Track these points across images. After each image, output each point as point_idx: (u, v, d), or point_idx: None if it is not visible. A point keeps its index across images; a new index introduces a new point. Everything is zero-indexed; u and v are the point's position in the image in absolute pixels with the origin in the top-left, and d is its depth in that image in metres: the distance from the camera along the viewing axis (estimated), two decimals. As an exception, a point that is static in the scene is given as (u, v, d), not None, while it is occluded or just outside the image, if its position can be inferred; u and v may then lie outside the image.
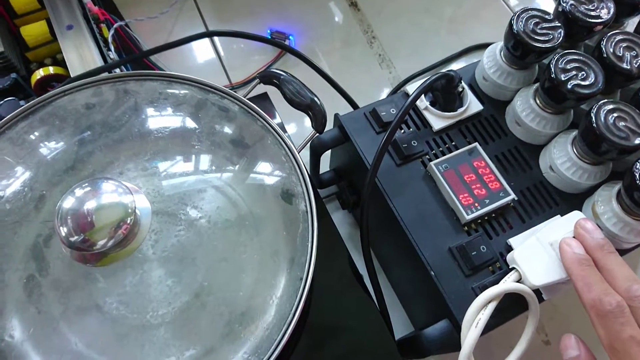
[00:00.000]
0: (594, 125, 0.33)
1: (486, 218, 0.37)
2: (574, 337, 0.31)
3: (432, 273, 0.34)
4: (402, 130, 0.40)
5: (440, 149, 0.39)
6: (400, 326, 0.45)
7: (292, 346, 0.38)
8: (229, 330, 0.34)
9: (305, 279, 0.31)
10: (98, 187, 0.29)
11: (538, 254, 0.32)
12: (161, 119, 0.36)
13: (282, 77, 0.37)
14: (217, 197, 0.37)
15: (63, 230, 0.28)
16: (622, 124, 0.33)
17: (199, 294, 0.34)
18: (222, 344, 0.34)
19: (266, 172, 0.35)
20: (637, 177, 0.31)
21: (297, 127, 0.55)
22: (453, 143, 0.40)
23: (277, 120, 0.46)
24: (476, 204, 0.36)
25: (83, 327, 0.33)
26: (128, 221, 0.29)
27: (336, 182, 0.48)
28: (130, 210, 0.29)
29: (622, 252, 0.36)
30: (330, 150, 0.49)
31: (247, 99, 0.37)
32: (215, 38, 0.59)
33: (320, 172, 0.48)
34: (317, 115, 0.36)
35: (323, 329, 0.38)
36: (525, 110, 0.38)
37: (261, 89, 0.48)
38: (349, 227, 0.50)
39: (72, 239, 0.28)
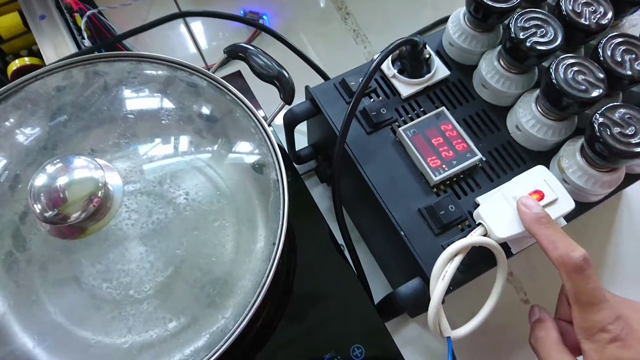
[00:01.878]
0: (554, 80, 0.33)
1: (455, 179, 0.37)
2: (535, 306, 0.34)
3: (402, 233, 0.35)
4: (372, 99, 0.41)
5: (409, 115, 0.40)
6: (381, 291, 0.46)
7: (279, 313, 0.39)
8: (209, 299, 0.35)
9: (278, 243, 0.32)
10: (69, 163, 0.30)
11: (503, 208, 0.33)
12: (130, 97, 0.37)
13: (248, 50, 0.37)
14: (189, 171, 0.37)
15: (37, 207, 0.29)
16: (581, 77, 0.34)
17: (178, 267, 0.35)
18: (203, 312, 0.35)
19: (236, 144, 0.36)
20: (597, 128, 0.32)
21: (273, 105, 0.55)
22: (422, 109, 0.40)
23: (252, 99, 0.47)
24: (444, 166, 0.37)
25: (67, 304, 0.34)
26: (99, 194, 0.30)
27: (314, 158, 0.49)
28: (100, 184, 0.30)
29: (590, 205, 0.37)
30: (307, 127, 0.49)
31: (220, 77, 0.37)
32: (191, 22, 0.60)
33: (299, 149, 0.49)
34: (284, 86, 0.37)
35: (306, 297, 0.39)
36: (490, 72, 0.39)
37: (234, 67, 0.49)
38: (328, 201, 0.51)
39: (47, 214, 0.29)
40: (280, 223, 0.32)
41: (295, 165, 0.48)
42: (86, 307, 0.34)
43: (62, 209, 0.29)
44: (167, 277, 0.35)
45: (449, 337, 0.32)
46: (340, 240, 0.41)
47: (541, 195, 0.33)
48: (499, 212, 0.33)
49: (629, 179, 0.38)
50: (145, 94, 0.37)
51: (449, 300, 0.39)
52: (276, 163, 0.34)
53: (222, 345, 0.29)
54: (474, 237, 0.32)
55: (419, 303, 0.34)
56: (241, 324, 0.30)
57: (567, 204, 0.33)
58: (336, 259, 0.41)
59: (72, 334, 0.34)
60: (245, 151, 0.36)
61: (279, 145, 0.46)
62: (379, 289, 0.46)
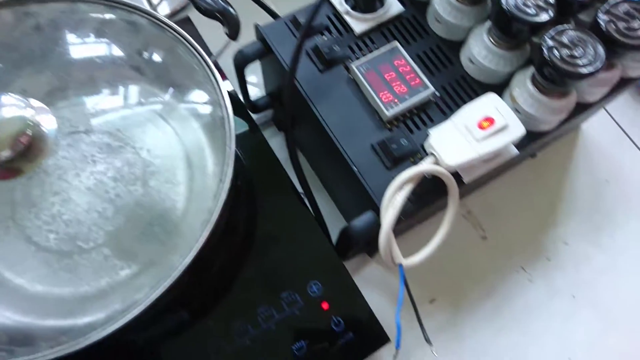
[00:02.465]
0: (504, 5, 0.33)
1: (408, 114, 0.37)
2: None
3: (355, 169, 0.35)
4: (325, 37, 0.39)
5: (363, 52, 0.39)
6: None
7: (238, 256, 0.39)
8: (160, 244, 0.34)
9: (224, 179, 0.31)
10: (-5, 101, 0.28)
11: (453, 136, 0.33)
12: (66, 38, 0.35)
13: (189, -17, 0.35)
14: (133, 114, 0.36)
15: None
16: (530, 1, 0.33)
17: (128, 214, 0.34)
18: (155, 256, 0.34)
19: (181, 83, 0.35)
20: (545, 51, 0.32)
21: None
22: (375, 45, 0.39)
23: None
24: (396, 100, 0.36)
25: (11, 256, 0.33)
26: (28, 132, 0.28)
27: (271, 106, 0.48)
28: (30, 123, 0.28)
29: (542, 134, 0.37)
30: (262, 74, 0.48)
31: (171, 21, 0.35)
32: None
33: (255, 98, 0.48)
34: (230, 22, 0.36)
35: (265, 241, 0.39)
36: (443, 5, 0.38)
37: (183, 14, 0.47)
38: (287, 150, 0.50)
39: (-26, 154, 0.28)
40: (227, 160, 0.31)
41: (252, 115, 0.47)
42: (33, 259, 0.33)
43: (-10, 147, 0.28)
44: (117, 225, 0.34)
45: (401, 264, 0.32)
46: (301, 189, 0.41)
47: (491, 122, 0.32)
48: (449, 140, 0.33)
49: (581, 108, 0.38)
50: (82, 34, 0.35)
51: (408, 240, 0.40)
52: (221, 99, 0.33)
53: (169, 283, 0.29)
54: (424, 165, 0.32)
55: (372, 235, 0.34)
56: (187, 261, 0.29)
57: (518, 130, 0.33)
58: (295, 205, 0.41)
59: (18, 286, 0.33)
60: (190, 89, 0.34)
61: (232, 92, 0.45)
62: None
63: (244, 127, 0.44)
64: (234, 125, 0.32)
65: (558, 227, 0.47)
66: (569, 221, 0.48)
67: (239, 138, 0.44)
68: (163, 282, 0.29)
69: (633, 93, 0.54)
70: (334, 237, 0.39)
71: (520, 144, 0.36)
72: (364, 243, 0.42)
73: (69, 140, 0.37)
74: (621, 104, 0.53)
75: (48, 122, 0.31)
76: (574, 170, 0.50)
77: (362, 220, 0.35)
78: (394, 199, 0.31)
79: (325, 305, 0.37)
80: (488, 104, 0.33)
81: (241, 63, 0.40)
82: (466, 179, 0.35)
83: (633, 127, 0.53)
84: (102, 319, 0.31)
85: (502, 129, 0.32)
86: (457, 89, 0.38)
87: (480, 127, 0.32)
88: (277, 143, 0.51)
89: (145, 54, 0.35)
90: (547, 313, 0.44)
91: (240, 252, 0.39)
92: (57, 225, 0.34)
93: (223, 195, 0.30)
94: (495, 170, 0.45)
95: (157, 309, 0.34)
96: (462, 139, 0.32)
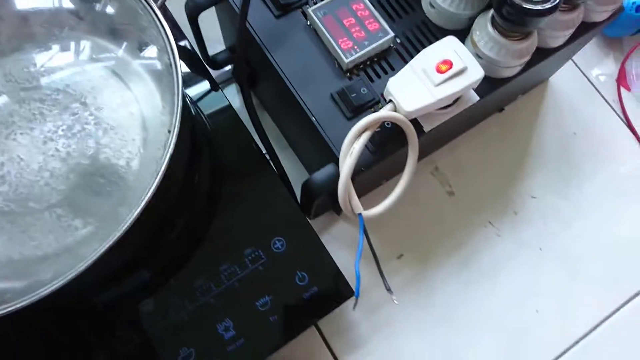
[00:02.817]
0: (461, -57, 0.31)
1: (368, 62, 0.36)
2: None
3: (314, 119, 0.34)
4: (280, -17, 0.38)
5: (321, -1, 0.37)
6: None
7: (201, 216, 0.38)
8: (112, 199, 0.33)
9: (173, 129, 0.30)
10: None
11: (411, 81, 0.32)
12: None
13: None
14: (77, 63, 0.34)
15: None
16: (489, -62, 0.32)
17: (80, 172, 0.33)
18: (108, 214, 0.33)
19: (123, 27, 0.33)
20: (504, -10, 0.31)
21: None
22: (334, -8, 0.38)
23: None
24: (355, 47, 0.35)
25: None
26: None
27: (231, 61, 0.46)
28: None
29: (504, 80, 0.36)
30: (220, 26, 0.46)
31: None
32: None
33: (214, 53, 0.46)
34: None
35: (228, 200, 0.38)
36: (403, -53, 0.36)
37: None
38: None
39: None
40: (175, 109, 0.30)
41: (212, 71, 0.45)
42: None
43: None
44: (69, 184, 0.33)
45: (360, 214, 0.32)
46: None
47: (450, 65, 0.31)
48: (407, 86, 0.32)
49: (544, 53, 0.37)
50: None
51: (375, 198, 0.39)
52: (167, 45, 0.31)
53: (117, 236, 0.28)
54: (382, 112, 0.31)
55: (333, 187, 0.33)
56: (136, 212, 0.28)
57: (477, 73, 0.32)
58: (258, 162, 0.40)
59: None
60: (133, 35, 0.33)
61: (189, 48, 0.43)
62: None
63: (205, 85, 0.43)
64: (180, 70, 0.30)
65: (525, 181, 0.47)
66: (536, 175, 0.48)
67: (199, 96, 0.42)
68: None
69: (600, 43, 0.54)
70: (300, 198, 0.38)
71: (482, 91, 0.35)
72: (329, 198, 0.42)
73: (17, 97, 0.35)
74: (589, 55, 0.53)
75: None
76: (542, 124, 0.50)
77: (322, 172, 0.34)
78: (352, 148, 0.30)
79: (289, 262, 0.37)
80: (447, 47, 0.32)
81: (194, 11, 0.38)
82: (426, 127, 0.34)
83: (601, 78, 0.52)
84: (54, 278, 0.30)
85: (461, 72, 0.31)
86: (418, 35, 0.37)
87: (439, 70, 0.31)
88: (240, 101, 0.49)
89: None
90: (515, 266, 0.45)
91: (203, 210, 0.38)
92: (6, 186, 0.33)
93: (171, 144, 0.29)
94: (461, 124, 0.44)
95: (111, 266, 0.33)
96: (420, 84, 0.31)
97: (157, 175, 0.29)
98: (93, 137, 0.34)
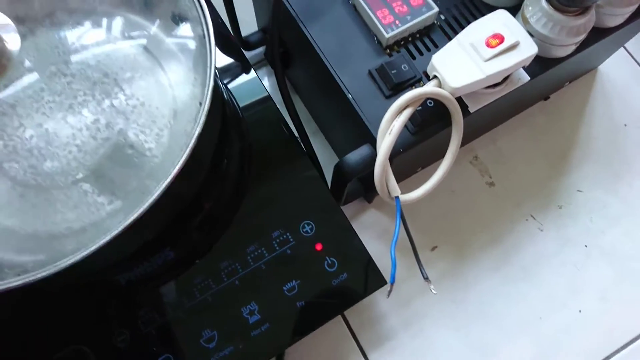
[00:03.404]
0: None
1: (410, 39, 0.34)
2: None
3: (350, 96, 0.32)
4: (319, -43, 0.36)
5: (361, -28, 0.36)
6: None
7: (235, 194, 0.37)
8: (142, 179, 0.32)
9: (205, 101, 0.28)
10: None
11: (458, 56, 0.29)
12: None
13: None
14: (108, 41, 0.34)
15: None
16: None
17: (109, 149, 0.32)
18: (135, 193, 0.32)
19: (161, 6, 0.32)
20: (563, -41, 0.28)
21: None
22: (375, -34, 0.36)
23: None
24: (397, 22, 0.33)
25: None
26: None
27: (265, 42, 0.45)
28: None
29: (557, 61, 0.34)
30: (253, 5, 0.45)
31: None
32: None
33: (248, 34, 0.45)
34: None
35: (259, 182, 0.37)
36: None
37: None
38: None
39: None
40: (207, 81, 0.29)
41: (245, 52, 0.44)
42: (8, 194, 0.31)
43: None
44: (97, 160, 0.32)
45: (397, 197, 0.30)
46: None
47: (501, 39, 0.29)
48: (454, 61, 0.29)
49: (600, 34, 0.34)
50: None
51: (412, 185, 0.37)
52: (201, 15, 0.30)
53: (143, 209, 0.26)
54: (426, 88, 0.29)
55: (367, 170, 0.31)
56: (163, 186, 0.27)
57: (530, 49, 0.29)
58: (289, 145, 0.39)
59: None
60: (168, 10, 0.32)
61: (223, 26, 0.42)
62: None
63: (237, 67, 0.42)
64: (214, 41, 0.29)
65: (571, 174, 0.44)
66: (583, 168, 0.45)
67: (231, 76, 0.41)
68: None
69: (657, 33, 0.50)
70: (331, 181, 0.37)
71: (532, 72, 0.33)
72: (361, 185, 0.40)
73: (47, 71, 0.34)
74: (644, 43, 0.49)
75: (12, 40, 0.28)
76: (591, 114, 0.46)
77: (357, 153, 0.32)
78: (392, 125, 0.29)
79: (318, 246, 0.35)
80: (497, 20, 0.30)
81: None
82: (472, 107, 0.32)
83: (656, 70, 0.49)
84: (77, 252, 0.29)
85: (512, 47, 0.29)
86: (464, 11, 0.34)
87: (488, 45, 0.29)
88: (273, 83, 0.48)
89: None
90: (558, 263, 0.42)
91: (231, 192, 0.37)
92: (34, 159, 0.32)
93: (202, 116, 0.28)
94: (506, 109, 0.42)
95: (135, 243, 0.32)
96: (467, 59, 0.29)
97: (187, 148, 0.27)
98: (122, 113, 0.33)
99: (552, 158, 0.45)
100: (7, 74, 0.28)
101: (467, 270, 0.41)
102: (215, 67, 0.29)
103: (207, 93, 0.28)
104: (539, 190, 0.44)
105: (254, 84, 0.41)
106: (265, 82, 0.46)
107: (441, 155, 0.32)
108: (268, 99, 0.40)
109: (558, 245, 0.42)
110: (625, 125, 0.46)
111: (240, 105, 0.40)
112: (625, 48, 0.49)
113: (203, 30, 0.30)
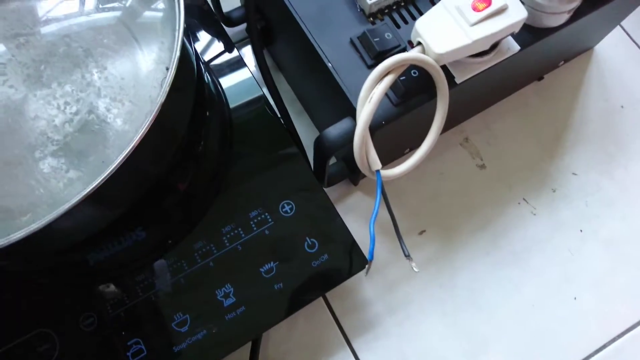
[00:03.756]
0: None
1: (394, 7, 0.32)
2: None
3: (330, 65, 0.30)
4: None
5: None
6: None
7: (211, 173, 0.35)
8: (110, 150, 0.30)
9: (172, 67, 0.27)
10: None
11: (443, 21, 0.28)
12: None
13: None
14: (80, 11, 0.32)
15: None
16: None
17: (78, 123, 0.31)
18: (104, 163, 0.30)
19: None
20: None
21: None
22: None
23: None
24: (380, -12, 0.31)
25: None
26: None
27: (247, 19, 0.43)
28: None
29: (548, 31, 0.32)
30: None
31: None
32: None
33: (230, 9, 0.43)
34: None
35: (239, 159, 0.35)
36: None
37: None
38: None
39: None
40: (175, 45, 0.27)
41: (227, 29, 0.42)
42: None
43: None
44: (65, 134, 0.30)
45: (378, 170, 0.28)
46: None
47: (488, 3, 0.27)
48: (439, 26, 0.28)
49: (593, 3, 0.33)
50: None
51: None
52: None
53: (97, 181, 0.25)
54: (409, 53, 0.27)
55: (349, 143, 0.29)
56: (126, 153, 0.25)
57: (518, 13, 0.28)
58: (271, 124, 0.37)
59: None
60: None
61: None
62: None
63: (219, 45, 0.40)
64: (182, 3, 0.27)
65: (565, 157, 0.43)
66: (578, 150, 0.43)
67: (213, 54, 0.40)
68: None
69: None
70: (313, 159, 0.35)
71: (523, 41, 0.31)
72: (345, 165, 0.38)
73: (15, 42, 0.33)
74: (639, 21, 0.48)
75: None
76: (585, 95, 0.45)
77: (337, 126, 0.30)
78: (372, 93, 0.27)
79: (298, 227, 0.33)
80: (485, -16, 0.28)
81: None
82: (459, 78, 0.30)
83: (654, 51, 0.47)
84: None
85: (500, 10, 0.27)
86: (452, -20, 0.33)
87: (475, 8, 0.27)
88: (255, 62, 0.46)
89: None
90: (552, 248, 0.40)
91: (209, 169, 0.35)
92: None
93: (167, 84, 0.26)
94: (496, 86, 0.40)
95: (100, 219, 0.30)
96: (453, 24, 0.27)
97: (151, 115, 0.26)
98: (92, 87, 0.32)
99: (545, 140, 0.43)
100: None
101: (456, 255, 0.39)
102: (185, 33, 0.28)
103: (175, 57, 0.27)
104: (532, 173, 0.42)
105: (236, 63, 0.39)
106: (250, 61, 0.45)
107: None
108: (250, 77, 0.38)
109: (552, 229, 0.40)
110: (622, 107, 0.45)
111: (222, 83, 0.39)
112: (622, 27, 0.47)
113: (173, -6, 0.28)
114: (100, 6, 0.32)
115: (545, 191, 0.42)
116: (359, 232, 0.34)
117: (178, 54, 0.26)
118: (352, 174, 0.39)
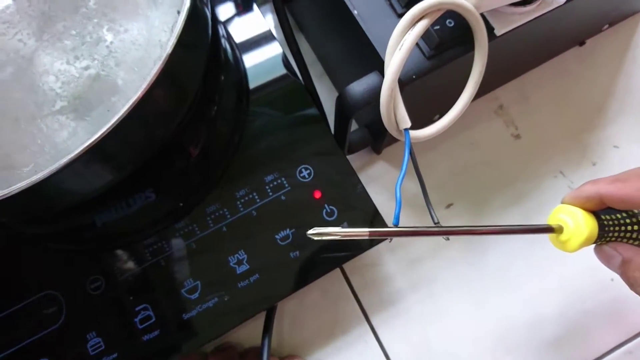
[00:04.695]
0: None
1: (428, -48, 0.29)
2: (607, 247, 0.27)
3: (355, 12, 0.28)
4: None
5: None
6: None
7: (226, 135, 0.33)
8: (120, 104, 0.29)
9: (185, 11, 0.24)
10: None
11: (484, -38, 0.25)
12: None
13: None
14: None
15: None
16: None
17: (89, 79, 0.29)
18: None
19: None
20: None
21: None
22: None
23: None
24: None
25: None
26: None
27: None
28: None
29: None
30: None
31: None
32: None
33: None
34: None
35: (256, 122, 0.33)
36: None
37: None
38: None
39: None
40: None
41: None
42: None
43: None
44: (75, 91, 0.29)
45: (407, 129, 0.25)
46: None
47: (536, -59, 0.24)
48: (479, -32, 0.25)
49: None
50: None
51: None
52: None
53: (102, 130, 0.23)
54: (444, -3, 0.24)
55: (374, 100, 0.27)
56: (132, 101, 0.23)
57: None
58: (290, 86, 0.35)
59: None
60: None
61: None
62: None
63: (239, 2, 0.38)
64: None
65: (607, 128, 0.39)
66: (620, 122, 0.39)
67: (230, 10, 0.37)
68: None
69: None
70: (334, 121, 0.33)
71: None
72: (368, 131, 0.36)
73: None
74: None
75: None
76: (631, 63, 0.41)
77: (362, 81, 0.28)
78: (403, 39, 0.24)
79: (317, 194, 0.31)
80: None
81: None
82: (499, 29, 0.27)
83: None
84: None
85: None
86: None
87: (522, -53, 0.24)
88: (275, 21, 0.44)
89: None
90: (588, 226, 0.37)
91: (223, 131, 0.33)
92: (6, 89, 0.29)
93: (179, 29, 0.24)
94: (535, 49, 0.37)
95: (108, 173, 0.28)
96: (496, -35, 0.25)
97: (160, 60, 0.23)
98: (103, 42, 0.30)
99: (586, 110, 0.40)
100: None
101: (486, 230, 0.36)
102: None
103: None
104: (570, 145, 0.39)
105: (255, 22, 0.37)
106: (269, 20, 0.42)
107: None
108: (270, 36, 0.36)
109: (590, 206, 0.37)
110: (672, 75, 0.41)
111: (238, 40, 0.36)
112: (675, -11, 0.43)
113: None
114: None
115: (585, 164, 0.38)
116: (382, 204, 0.32)
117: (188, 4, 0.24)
118: (375, 141, 0.37)
